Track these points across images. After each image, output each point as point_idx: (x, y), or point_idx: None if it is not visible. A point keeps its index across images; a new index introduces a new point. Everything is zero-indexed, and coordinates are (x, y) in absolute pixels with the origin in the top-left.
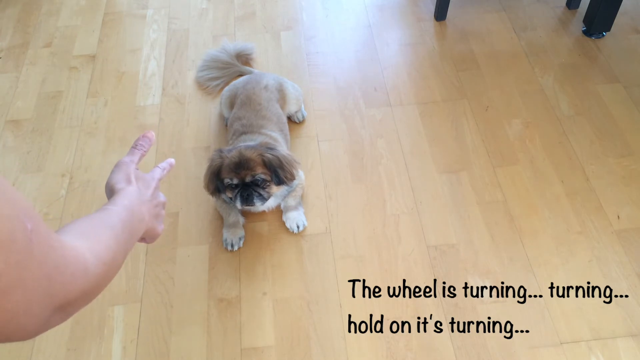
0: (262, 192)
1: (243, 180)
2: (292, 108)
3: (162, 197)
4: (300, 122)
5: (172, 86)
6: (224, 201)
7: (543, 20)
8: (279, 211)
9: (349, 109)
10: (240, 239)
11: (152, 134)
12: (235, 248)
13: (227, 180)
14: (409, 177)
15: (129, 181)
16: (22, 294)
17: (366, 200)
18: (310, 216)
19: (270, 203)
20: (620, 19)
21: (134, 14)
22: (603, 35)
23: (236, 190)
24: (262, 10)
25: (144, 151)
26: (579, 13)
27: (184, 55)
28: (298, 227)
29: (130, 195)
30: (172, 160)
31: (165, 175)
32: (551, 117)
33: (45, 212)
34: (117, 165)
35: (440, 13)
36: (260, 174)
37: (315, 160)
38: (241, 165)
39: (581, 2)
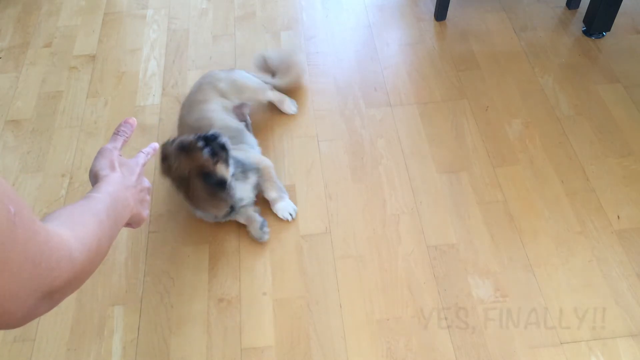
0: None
1: (204, 137)
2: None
3: (146, 183)
4: (295, 118)
5: (172, 86)
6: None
7: (543, 21)
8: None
9: (349, 109)
10: (263, 230)
11: (133, 120)
12: (266, 238)
13: (200, 154)
14: (409, 177)
15: (112, 167)
16: (8, 277)
17: (366, 200)
18: (310, 216)
19: (248, 193)
20: (620, 19)
21: (134, 14)
22: (603, 35)
23: (209, 155)
24: (262, 10)
25: (126, 137)
26: (579, 13)
27: (184, 55)
28: (290, 214)
29: (114, 182)
30: (155, 145)
31: (148, 159)
32: (551, 117)
33: (45, 212)
34: (100, 152)
35: (440, 13)
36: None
37: (315, 160)
38: (183, 147)
39: (581, 2)
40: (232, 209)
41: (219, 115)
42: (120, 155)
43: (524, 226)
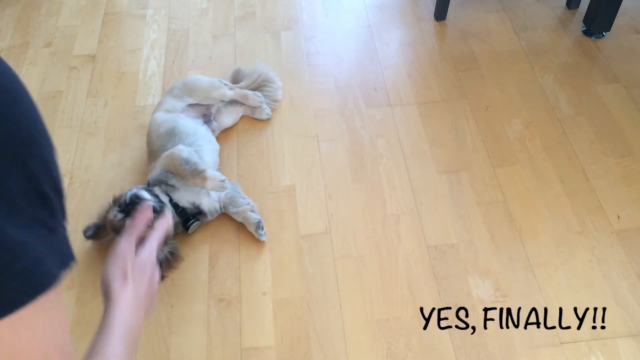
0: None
1: (122, 206)
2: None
3: (157, 278)
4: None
5: None
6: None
7: (543, 20)
8: (278, 211)
9: (349, 109)
10: (258, 225)
11: (150, 215)
12: (263, 233)
13: (112, 215)
14: (409, 177)
15: (124, 276)
16: None
17: (366, 200)
18: (310, 216)
19: (214, 204)
20: (620, 19)
21: (134, 14)
22: (603, 35)
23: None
24: (262, 10)
25: (142, 230)
26: (579, 13)
27: (184, 55)
28: (222, 182)
29: (125, 313)
30: (169, 222)
31: (162, 239)
32: (551, 117)
33: None
34: (114, 254)
35: (440, 13)
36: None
37: (315, 160)
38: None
39: (581, 2)
40: (192, 221)
41: (167, 117)
42: (134, 253)
43: (524, 226)
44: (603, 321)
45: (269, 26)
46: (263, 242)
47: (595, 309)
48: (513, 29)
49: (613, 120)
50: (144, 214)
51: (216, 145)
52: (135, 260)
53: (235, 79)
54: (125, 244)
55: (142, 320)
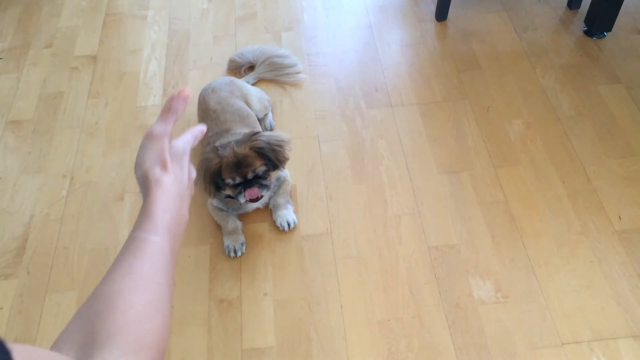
0: (264, 182)
1: (245, 177)
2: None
3: (193, 173)
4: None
5: (172, 87)
6: (220, 209)
7: (544, 21)
8: None
9: (349, 110)
10: (242, 244)
11: (188, 91)
12: (239, 254)
13: (229, 181)
14: (409, 177)
15: (164, 165)
16: None
17: (367, 201)
18: (311, 217)
19: (264, 198)
20: (621, 19)
21: (135, 14)
22: (604, 35)
23: (239, 188)
24: (263, 10)
25: (179, 116)
26: (580, 13)
27: (184, 55)
28: (288, 224)
29: (169, 200)
30: (204, 128)
31: (195, 144)
32: (552, 118)
33: (47, 213)
34: (148, 138)
35: (441, 13)
36: (259, 167)
37: (316, 160)
38: (240, 164)
39: (582, 2)
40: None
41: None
42: (170, 142)
43: (525, 227)
44: (604, 322)
45: (270, 27)
46: (264, 243)
47: (597, 309)
48: (514, 29)
49: (614, 120)
50: (182, 95)
51: None
52: (172, 149)
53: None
54: (160, 128)
55: (186, 215)
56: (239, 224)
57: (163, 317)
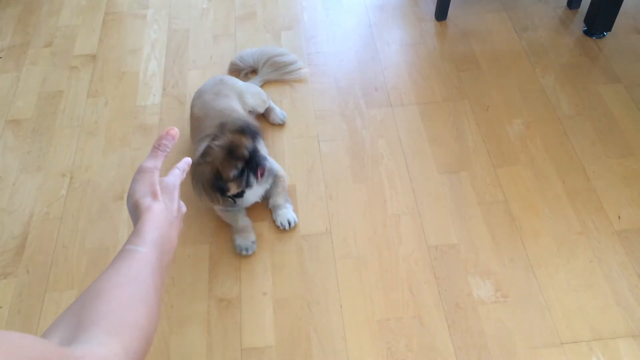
0: (259, 155)
1: (244, 158)
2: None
3: (183, 208)
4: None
5: (172, 86)
6: (227, 209)
7: (544, 20)
8: None
9: (349, 109)
10: (252, 242)
11: (175, 131)
12: (250, 252)
13: (233, 173)
14: (409, 177)
15: (154, 195)
16: None
17: (367, 201)
18: (311, 216)
19: (259, 191)
20: (621, 19)
21: (135, 13)
22: (604, 35)
23: (245, 174)
24: (263, 10)
25: (167, 152)
26: (579, 13)
27: (184, 55)
28: (289, 223)
29: (158, 223)
30: (189, 160)
31: (184, 178)
32: (552, 117)
33: (46, 212)
34: (139, 173)
35: (441, 13)
36: (248, 142)
37: (316, 160)
38: (232, 151)
39: (582, 2)
40: (234, 201)
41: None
42: (160, 177)
43: (524, 226)
44: (604, 321)
45: (270, 26)
46: (263, 242)
47: (596, 309)
48: (514, 29)
49: (614, 120)
50: (170, 134)
51: None
52: (162, 182)
53: (238, 68)
54: (150, 163)
55: (175, 240)
56: (248, 221)
57: (148, 308)
